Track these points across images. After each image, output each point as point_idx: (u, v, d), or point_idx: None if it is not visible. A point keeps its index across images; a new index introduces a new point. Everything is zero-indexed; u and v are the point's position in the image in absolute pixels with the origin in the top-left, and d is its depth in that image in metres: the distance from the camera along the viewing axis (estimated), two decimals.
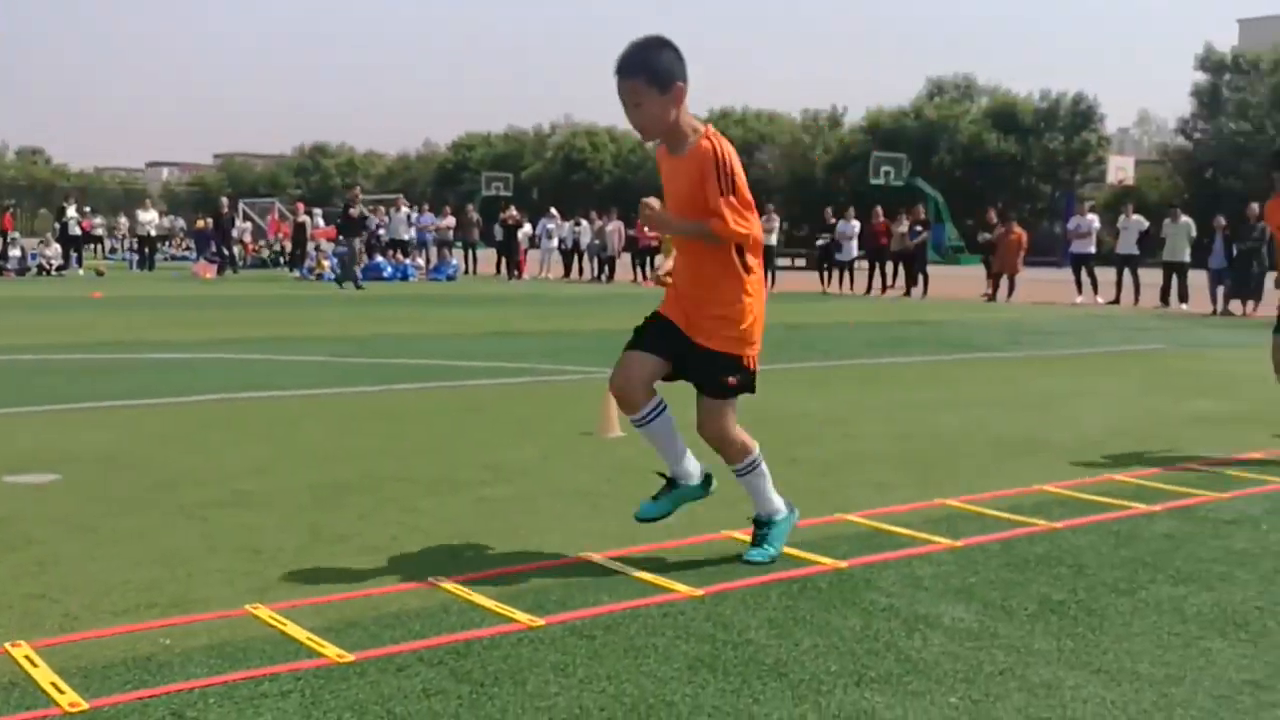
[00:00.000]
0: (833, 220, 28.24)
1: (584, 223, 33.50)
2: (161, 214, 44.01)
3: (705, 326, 4.17)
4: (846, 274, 27.52)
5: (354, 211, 26.71)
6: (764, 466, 4.36)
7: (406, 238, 32.38)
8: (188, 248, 46.49)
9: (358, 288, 25.14)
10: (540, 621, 3.56)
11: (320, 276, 29.66)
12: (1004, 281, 25.01)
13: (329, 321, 16.12)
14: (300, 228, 33.90)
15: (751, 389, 4.29)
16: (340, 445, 6.57)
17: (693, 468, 4.42)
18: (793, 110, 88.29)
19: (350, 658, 3.23)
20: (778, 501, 4.40)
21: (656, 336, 4.25)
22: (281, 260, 37.21)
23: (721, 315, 4.15)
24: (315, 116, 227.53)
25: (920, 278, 26.18)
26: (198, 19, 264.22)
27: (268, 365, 10.60)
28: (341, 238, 27.67)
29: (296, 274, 31.59)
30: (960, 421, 7.77)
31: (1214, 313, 21.45)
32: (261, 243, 41.56)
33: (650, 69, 4.02)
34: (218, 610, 3.64)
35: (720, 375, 4.18)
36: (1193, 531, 4.90)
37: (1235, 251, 21.50)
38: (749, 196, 4.10)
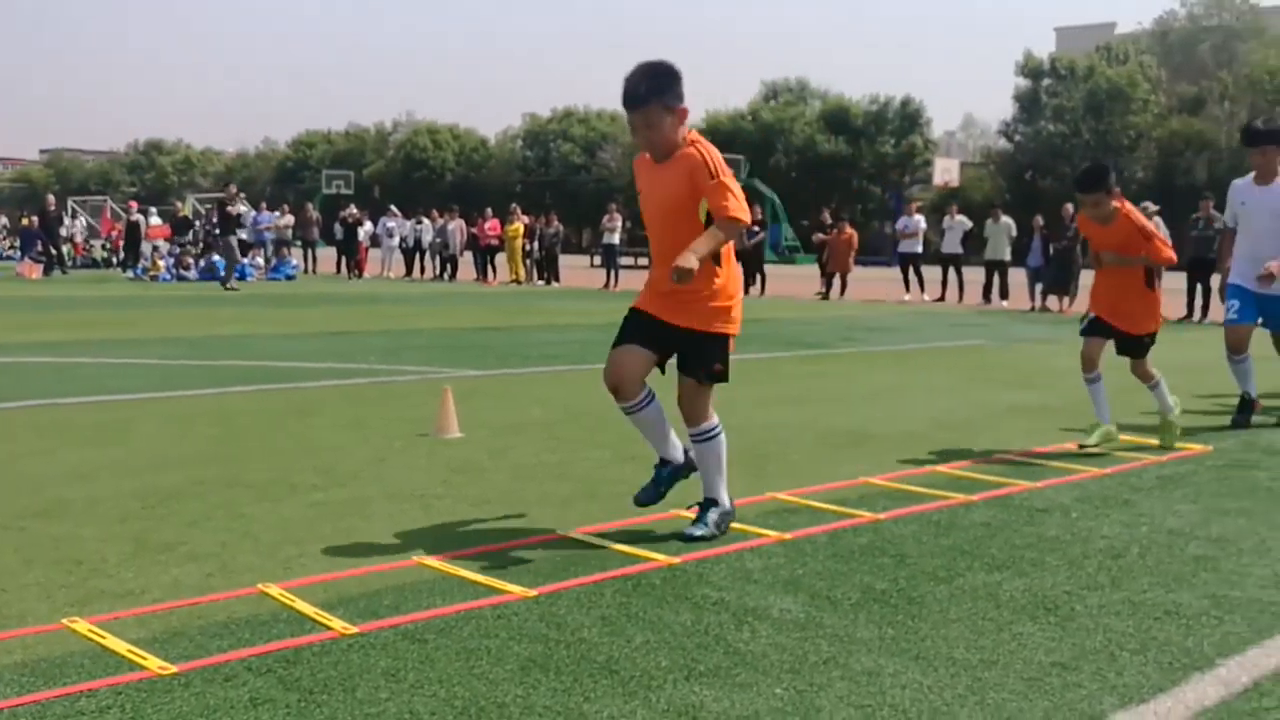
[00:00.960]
0: None
1: (425, 221, 33.11)
2: None
3: None
4: None
5: (231, 209, 26.12)
6: None
7: (244, 236, 31.52)
8: (13, 247, 44.28)
9: (232, 288, 24.53)
10: (371, 626, 3.54)
11: (155, 278, 28.72)
12: (837, 280, 25.65)
13: (161, 323, 15.59)
14: (134, 227, 32.69)
15: None
16: (169, 450, 6.38)
17: None
18: None
19: (173, 669, 3.16)
20: None
21: None
22: (115, 261, 35.85)
23: None
24: (149, 113, 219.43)
25: (758, 276, 26.61)
26: (22, 6, 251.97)
27: (94, 368, 10.21)
28: (219, 236, 26.88)
29: (130, 275, 30.51)
30: (793, 416, 7.96)
31: (1032, 309, 22.40)
32: (95, 242, 39.91)
33: None
34: (32, 625, 3.51)
35: None
36: (1008, 520, 5.13)
37: (1052, 250, 22.48)
38: None
